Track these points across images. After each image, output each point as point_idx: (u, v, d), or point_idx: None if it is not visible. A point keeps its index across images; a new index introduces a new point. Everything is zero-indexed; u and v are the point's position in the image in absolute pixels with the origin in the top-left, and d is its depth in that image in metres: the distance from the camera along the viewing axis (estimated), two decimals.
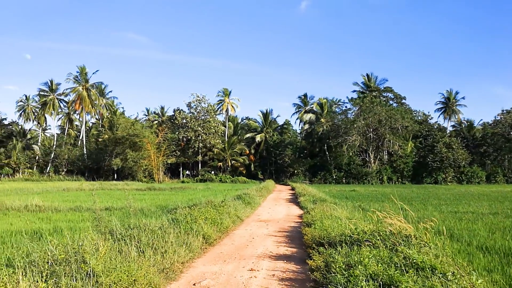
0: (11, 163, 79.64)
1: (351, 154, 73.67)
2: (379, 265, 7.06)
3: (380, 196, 31.32)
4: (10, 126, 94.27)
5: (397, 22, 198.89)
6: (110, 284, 6.48)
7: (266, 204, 27.33)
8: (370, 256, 7.60)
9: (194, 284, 8.19)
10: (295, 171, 78.35)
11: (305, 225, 15.24)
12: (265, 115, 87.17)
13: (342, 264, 7.58)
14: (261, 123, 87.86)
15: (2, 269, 5.71)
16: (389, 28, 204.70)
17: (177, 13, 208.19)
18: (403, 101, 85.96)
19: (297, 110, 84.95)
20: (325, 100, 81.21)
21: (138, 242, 9.22)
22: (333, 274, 7.27)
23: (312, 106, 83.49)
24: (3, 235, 12.34)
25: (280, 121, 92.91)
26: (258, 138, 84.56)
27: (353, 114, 75.59)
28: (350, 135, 71.22)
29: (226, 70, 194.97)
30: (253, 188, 34.35)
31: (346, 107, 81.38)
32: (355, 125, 70.84)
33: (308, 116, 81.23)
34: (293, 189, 47.29)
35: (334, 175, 72.97)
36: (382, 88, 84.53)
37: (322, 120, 77.50)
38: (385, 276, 6.50)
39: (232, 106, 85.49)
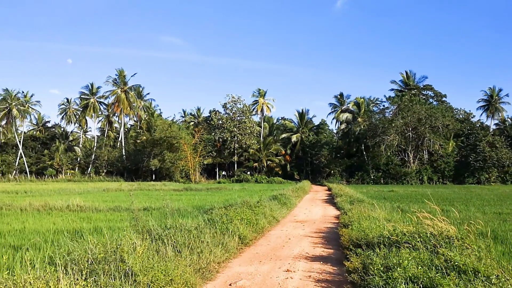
0: (54, 165, 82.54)
1: (389, 153, 72.22)
2: (419, 267, 6.87)
3: (420, 196, 30.52)
4: (53, 129, 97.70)
5: (436, 17, 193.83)
6: (147, 283, 6.56)
7: (302, 205, 27.15)
8: (410, 258, 7.40)
9: (230, 285, 8.20)
10: (332, 172, 77.53)
11: (342, 226, 15.03)
12: (301, 115, 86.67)
13: (380, 266, 7.42)
14: (296, 123, 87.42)
15: (44, 267, 5.87)
16: (429, 24, 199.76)
17: (212, 15, 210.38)
18: (444, 99, 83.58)
19: (333, 110, 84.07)
20: (362, 99, 79.96)
21: (174, 242, 9.30)
22: (371, 276, 7.13)
23: (348, 105, 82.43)
24: (46, 234, 12.75)
25: (316, 121, 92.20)
26: (294, 138, 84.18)
27: (391, 113, 74.07)
28: (388, 135, 69.81)
29: (261, 70, 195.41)
30: (289, 189, 34.20)
31: (383, 106, 79.82)
32: (393, 124, 69.38)
33: (345, 116, 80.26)
34: (329, 189, 46.85)
35: (372, 176, 71.76)
36: (422, 86, 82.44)
37: (359, 119, 76.39)
38: (425, 278, 6.32)
39: (268, 107, 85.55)
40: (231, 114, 79.76)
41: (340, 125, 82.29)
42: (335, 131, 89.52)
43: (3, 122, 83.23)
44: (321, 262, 10.14)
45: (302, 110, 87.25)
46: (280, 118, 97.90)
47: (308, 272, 9.13)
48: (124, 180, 72.23)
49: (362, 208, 17.58)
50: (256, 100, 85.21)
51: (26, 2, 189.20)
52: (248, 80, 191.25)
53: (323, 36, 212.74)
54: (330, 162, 78.82)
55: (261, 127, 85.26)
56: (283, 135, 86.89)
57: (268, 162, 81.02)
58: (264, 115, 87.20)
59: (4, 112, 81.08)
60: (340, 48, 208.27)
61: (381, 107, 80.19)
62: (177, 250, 8.90)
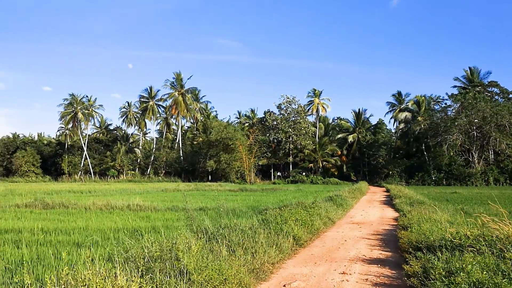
0: (116, 166, 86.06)
1: (452, 154, 69.15)
2: (484, 272, 6.49)
3: (485, 198, 28.94)
4: (115, 131, 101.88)
5: (500, 9, 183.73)
6: (201, 282, 6.61)
7: (359, 206, 26.60)
8: (474, 263, 7.02)
9: (284, 286, 8.11)
10: (390, 172, 75.39)
11: (401, 228, 14.54)
12: (358, 114, 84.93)
13: (442, 270, 7.10)
14: (353, 123, 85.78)
15: (103, 264, 6.05)
16: (492, 17, 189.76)
17: (266, 16, 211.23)
18: (510, 96, 78.88)
19: (391, 109, 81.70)
20: (422, 97, 77.09)
21: (229, 241, 9.35)
22: (432, 281, 6.85)
23: (407, 104, 79.78)
24: (107, 232, 13.26)
25: (373, 121, 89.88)
26: (350, 138, 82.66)
27: (454, 111, 70.87)
28: (451, 134, 66.87)
29: (317, 70, 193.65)
30: (345, 190, 33.62)
31: (445, 104, 76.46)
32: (456, 123, 66.36)
33: (404, 115, 77.78)
34: (387, 190, 45.71)
35: (433, 176, 69.03)
36: (486, 83, 78.19)
37: (419, 118, 73.68)
38: (490, 284, 5.97)
39: (323, 107, 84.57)
40: (286, 114, 79.56)
41: (399, 124, 79.83)
42: (393, 131, 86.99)
43: (70, 125, 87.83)
44: (379, 265, 9.84)
45: (359, 109, 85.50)
46: (336, 118, 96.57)
47: (365, 275, 8.88)
48: (181, 180, 73.97)
49: (423, 210, 16.94)
50: (311, 100, 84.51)
51: (90, 11, 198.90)
52: (303, 80, 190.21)
53: (379, 33, 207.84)
54: (388, 162, 76.66)
55: (316, 127, 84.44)
56: (339, 135, 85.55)
57: (324, 162, 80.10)
58: (320, 115, 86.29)
59: (70, 115, 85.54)
60: (397, 45, 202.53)
61: (443, 105, 76.92)
62: (231, 250, 8.93)
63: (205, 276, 6.70)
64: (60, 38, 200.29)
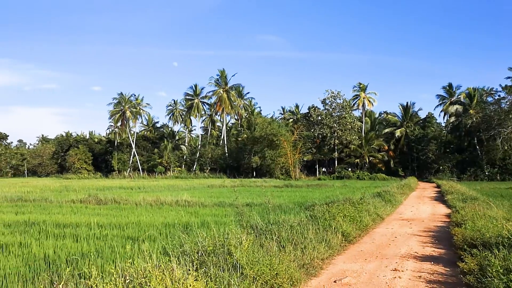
0: (163, 162, 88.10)
1: (506, 148, 66.09)
2: None
3: None
4: (162, 129, 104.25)
5: None
6: (254, 276, 6.70)
7: (408, 202, 26.01)
8: None
9: (335, 281, 8.09)
10: (440, 168, 72.94)
11: (454, 225, 14.13)
12: (405, 108, 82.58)
13: (499, 268, 6.88)
14: (400, 117, 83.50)
15: (160, 257, 6.26)
16: None
17: (308, 10, 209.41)
18: None
19: (441, 102, 78.88)
20: (474, 89, 73.98)
21: (278, 237, 9.41)
22: (489, 279, 6.67)
23: (459, 96, 76.78)
24: (159, 227, 13.65)
25: (422, 114, 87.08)
26: (397, 133, 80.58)
27: (508, 103, 67.62)
28: (505, 127, 63.83)
29: (362, 64, 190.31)
30: (393, 186, 32.93)
31: (499, 96, 72.97)
32: (510, 116, 63.33)
33: (454, 108, 74.95)
34: (438, 186, 44.42)
35: (487, 172, 66.23)
36: None
37: (471, 111, 70.77)
38: None
39: (369, 101, 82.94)
40: (331, 109, 78.61)
41: (449, 118, 76.98)
42: (443, 125, 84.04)
43: (119, 124, 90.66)
44: (432, 262, 9.62)
45: (407, 103, 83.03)
46: (383, 112, 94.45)
47: (418, 272, 8.72)
48: (226, 177, 74.73)
49: (476, 207, 16.38)
50: (357, 95, 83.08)
51: (136, 12, 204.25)
52: (348, 74, 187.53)
53: (428, 23, 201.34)
54: (439, 157, 74.18)
55: (362, 122, 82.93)
56: (386, 130, 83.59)
57: (370, 158, 78.64)
58: (366, 109, 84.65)
59: (119, 114, 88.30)
60: (447, 36, 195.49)
61: (496, 97, 73.46)
62: (281, 246, 8.99)
63: (257, 270, 6.80)
64: (108, 39, 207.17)
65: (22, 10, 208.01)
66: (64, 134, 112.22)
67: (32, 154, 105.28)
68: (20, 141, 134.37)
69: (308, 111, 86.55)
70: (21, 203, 24.72)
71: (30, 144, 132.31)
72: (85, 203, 24.28)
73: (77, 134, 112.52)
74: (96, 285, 4.92)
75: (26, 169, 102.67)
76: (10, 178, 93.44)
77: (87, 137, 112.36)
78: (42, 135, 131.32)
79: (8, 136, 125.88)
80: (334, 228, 11.80)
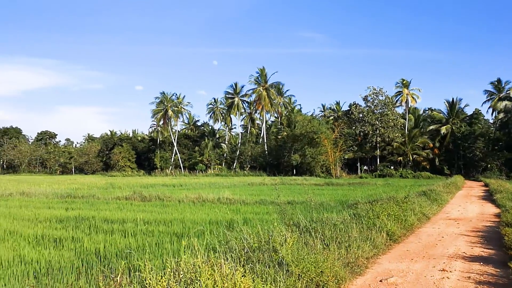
0: (204, 160, 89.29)
1: None
2: None
3: None
4: (202, 127, 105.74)
5: None
6: (298, 274, 6.72)
7: (454, 201, 25.26)
8: None
9: (380, 281, 7.99)
10: (488, 166, 70.24)
11: (504, 225, 13.63)
12: (451, 104, 79.92)
13: None
14: (446, 113, 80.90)
15: (207, 254, 6.39)
16: None
17: (349, 7, 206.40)
18: None
19: (488, 98, 75.84)
20: None
21: (322, 235, 9.39)
22: None
23: (508, 92, 73.53)
24: (202, 224, 13.88)
25: (469, 111, 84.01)
26: (443, 130, 78.15)
27: None
28: None
29: (405, 59, 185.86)
30: (439, 184, 32.03)
31: None
32: None
33: (503, 104, 71.92)
34: (486, 185, 42.87)
35: None
36: None
37: None
38: None
39: (413, 97, 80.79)
40: (373, 106, 77.14)
41: (498, 114, 73.97)
42: (491, 121, 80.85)
43: (161, 122, 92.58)
44: (481, 263, 9.33)
45: (453, 99, 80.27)
46: (427, 109, 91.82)
47: (467, 273, 8.48)
48: (266, 174, 74.86)
49: None
50: (400, 91, 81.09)
51: (176, 12, 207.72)
52: (391, 70, 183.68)
53: (474, 16, 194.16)
54: (486, 155, 71.42)
55: (405, 119, 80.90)
56: (431, 127, 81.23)
57: (414, 156, 76.67)
58: (409, 106, 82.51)
59: (161, 113, 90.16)
60: (495, 29, 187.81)
61: None
62: (325, 244, 8.96)
63: (302, 268, 6.82)
64: (149, 39, 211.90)
65: (69, 13, 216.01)
66: (109, 133, 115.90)
67: (79, 152, 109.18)
68: (67, 139, 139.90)
69: (349, 108, 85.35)
70: (71, 200, 25.74)
71: (77, 143, 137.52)
72: (130, 200, 24.98)
73: (121, 133, 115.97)
74: (150, 279, 5.07)
75: (73, 166, 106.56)
76: (58, 175, 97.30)
77: (131, 135, 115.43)
78: (88, 134, 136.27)
79: (56, 135, 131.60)
80: (379, 227, 11.65)
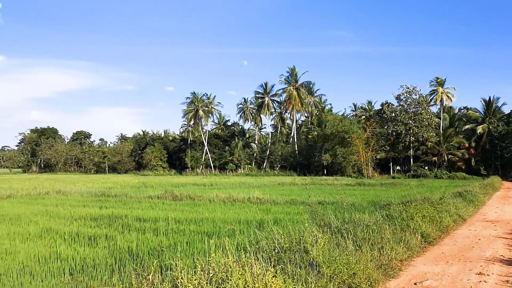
0: (234, 160, 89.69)
1: None
2: None
3: None
4: (233, 127, 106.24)
5: None
6: (330, 275, 6.62)
7: (491, 203, 24.46)
8: None
9: (415, 284, 7.80)
10: None
11: None
12: (488, 103, 77.44)
13: None
14: (482, 112, 78.41)
15: (238, 253, 6.37)
16: None
17: (380, 4, 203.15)
18: None
19: None
20: None
21: (354, 236, 9.23)
22: None
23: None
24: (233, 223, 13.90)
25: (506, 109, 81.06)
26: (479, 129, 75.78)
27: None
28: None
29: (439, 57, 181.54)
30: (475, 185, 31.11)
31: None
32: None
33: None
34: None
35: None
36: None
37: None
38: None
39: (447, 96, 78.72)
40: (406, 105, 75.55)
41: None
42: None
43: (192, 122, 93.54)
44: None
45: (489, 98, 77.58)
46: (463, 108, 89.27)
47: (505, 277, 8.19)
48: (297, 174, 74.51)
49: None
50: (434, 90, 79.14)
51: (205, 13, 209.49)
52: (424, 69, 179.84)
53: (509, 12, 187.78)
54: None
55: (440, 118, 78.93)
56: (466, 126, 78.96)
57: (449, 156, 74.72)
58: (444, 105, 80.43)
59: (192, 113, 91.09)
60: None
61: None
62: (357, 245, 8.82)
63: (334, 269, 6.71)
64: (179, 41, 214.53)
65: (101, 15, 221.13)
66: (141, 133, 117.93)
67: (112, 152, 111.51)
68: (101, 139, 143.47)
69: (381, 107, 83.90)
70: (104, 198, 26.29)
71: (111, 143, 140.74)
72: (162, 199, 25.31)
73: (153, 133, 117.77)
74: (182, 278, 5.09)
75: (107, 166, 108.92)
76: (93, 174, 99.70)
77: (162, 135, 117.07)
78: (121, 134, 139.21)
79: (91, 135, 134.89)
80: (413, 228, 11.41)
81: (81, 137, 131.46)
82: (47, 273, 7.87)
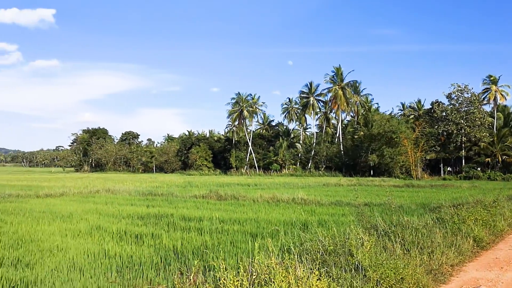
0: (278, 160, 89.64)
1: None
2: None
3: None
4: (277, 127, 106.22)
5: None
6: (377, 280, 6.42)
7: None
8: None
9: None
10: None
11: None
12: None
13: None
14: None
15: (281, 255, 6.29)
16: None
17: (430, 1, 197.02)
18: None
19: None
20: None
21: (402, 239, 8.95)
22: None
23: None
24: (277, 224, 13.83)
25: None
26: None
27: None
28: None
29: (492, 54, 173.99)
30: None
31: None
32: None
33: None
34: None
35: None
36: None
37: None
38: None
39: (501, 94, 75.25)
40: (457, 104, 72.81)
41: None
42: None
43: (236, 122, 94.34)
44: None
45: None
46: None
47: None
48: (342, 175, 73.52)
49: None
50: (487, 88, 75.90)
51: (252, 13, 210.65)
52: (476, 66, 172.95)
53: None
54: None
55: (494, 117, 75.60)
56: None
57: (504, 156, 71.36)
58: (498, 104, 77.00)
59: (236, 113, 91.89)
60: None
61: None
62: (405, 249, 8.53)
63: (381, 273, 6.50)
64: (224, 42, 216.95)
65: (150, 21, 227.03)
66: (187, 133, 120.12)
67: (159, 151, 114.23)
68: (149, 139, 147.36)
69: (431, 106, 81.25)
70: (151, 197, 26.90)
71: (158, 143, 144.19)
72: (206, 198, 25.58)
73: (198, 133, 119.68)
74: (224, 278, 5.07)
75: (154, 165, 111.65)
76: (140, 173, 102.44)
77: (207, 135, 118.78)
78: (168, 134, 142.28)
79: (139, 135, 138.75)
80: (464, 232, 10.93)
81: (129, 138, 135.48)
82: (95, 270, 8.09)
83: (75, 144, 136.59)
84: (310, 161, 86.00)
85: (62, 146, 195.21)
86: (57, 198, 26.28)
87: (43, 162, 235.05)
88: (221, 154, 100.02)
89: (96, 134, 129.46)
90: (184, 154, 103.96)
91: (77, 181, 47.03)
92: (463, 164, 73.44)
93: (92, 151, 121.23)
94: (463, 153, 72.96)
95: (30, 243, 10.92)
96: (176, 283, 5.13)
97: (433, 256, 8.65)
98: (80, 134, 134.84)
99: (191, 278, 5.13)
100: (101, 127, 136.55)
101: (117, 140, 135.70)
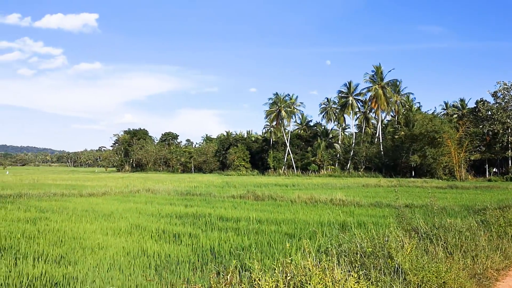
0: (316, 161, 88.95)
1: None
2: None
3: None
4: (315, 127, 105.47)
5: None
6: (418, 283, 6.23)
7: None
8: None
9: None
10: None
11: None
12: None
13: None
14: None
15: (319, 256, 6.19)
16: None
17: None
18: None
19: None
20: None
21: (444, 242, 8.65)
22: None
23: None
24: (314, 225, 13.70)
25: None
26: None
27: None
28: None
29: None
30: None
31: None
32: None
33: None
34: None
35: None
36: None
37: None
38: None
39: None
40: (503, 103, 70.00)
41: None
42: None
43: (274, 123, 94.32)
44: None
45: None
46: None
47: None
48: (382, 176, 72.12)
49: None
50: None
51: (290, 13, 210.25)
52: None
53: None
54: None
55: None
56: None
57: None
58: None
59: (274, 114, 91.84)
60: None
61: None
62: (448, 252, 8.24)
63: (422, 277, 6.30)
64: (262, 42, 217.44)
65: (188, 23, 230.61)
66: (225, 134, 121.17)
67: (198, 152, 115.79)
68: (188, 140, 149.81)
69: (475, 105, 78.51)
70: (189, 197, 27.26)
71: (196, 143, 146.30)
72: (244, 198, 25.67)
73: (236, 134, 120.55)
74: (259, 279, 5.04)
75: (193, 165, 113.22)
76: (179, 173, 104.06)
77: (245, 136, 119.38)
78: (206, 135, 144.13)
79: (178, 136, 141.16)
80: (511, 235, 10.46)
81: (169, 138, 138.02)
82: (134, 268, 8.24)
83: (116, 144, 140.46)
84: (349, 161, 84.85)
85: (105, 147, 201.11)
86: (99, 197, 27.04)
87: (86, 162, 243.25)
88: (258, 154, 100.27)
89: (137, 135, 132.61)
90: (222, 154, 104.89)
91: (118, 181, 48.24)
92: (510, 165, 70.52)
93: (133, 151, 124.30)
94: (509, 154, 70.08)
95: (73, 240, 11.25)
96: (212, 282, 5.15)
97: (477, 260, 8.34)
98: (121, 135, 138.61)
99: (228, 278, 5.13)
100: (141, 128, 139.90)
101: (157, 141, 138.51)
